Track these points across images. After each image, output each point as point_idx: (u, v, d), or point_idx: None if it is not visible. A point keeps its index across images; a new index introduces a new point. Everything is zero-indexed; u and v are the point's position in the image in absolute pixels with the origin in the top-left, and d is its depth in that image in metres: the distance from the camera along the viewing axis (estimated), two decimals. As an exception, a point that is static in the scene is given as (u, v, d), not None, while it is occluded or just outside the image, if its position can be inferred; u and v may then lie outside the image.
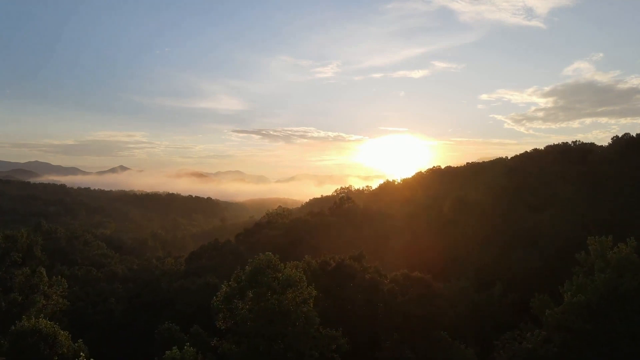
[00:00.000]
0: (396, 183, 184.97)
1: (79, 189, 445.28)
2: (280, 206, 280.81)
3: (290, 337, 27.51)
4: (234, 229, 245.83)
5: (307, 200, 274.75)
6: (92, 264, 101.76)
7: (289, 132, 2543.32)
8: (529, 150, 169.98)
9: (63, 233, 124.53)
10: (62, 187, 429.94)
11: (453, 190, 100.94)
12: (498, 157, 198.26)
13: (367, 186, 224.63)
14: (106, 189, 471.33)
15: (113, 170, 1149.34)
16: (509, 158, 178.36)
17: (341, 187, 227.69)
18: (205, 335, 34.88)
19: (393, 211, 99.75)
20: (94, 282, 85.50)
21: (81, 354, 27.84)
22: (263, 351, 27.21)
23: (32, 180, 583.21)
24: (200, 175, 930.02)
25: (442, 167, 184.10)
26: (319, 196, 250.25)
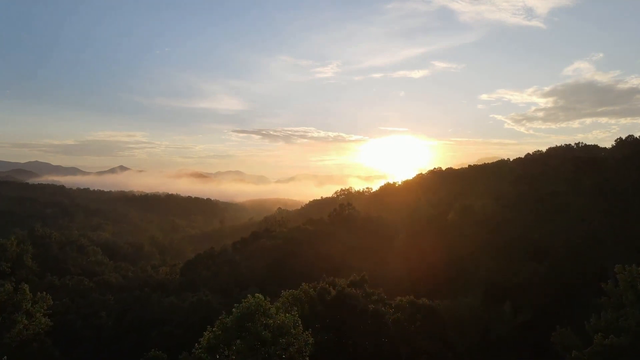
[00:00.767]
0: (397, 185, 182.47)
1: (78, 189, 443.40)
2: (279, 208, 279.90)
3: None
4: (232, 231, 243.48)
5: (307, 201, 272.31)
6: (85, 273, 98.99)
7: (289, 132, 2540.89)
8: (531, 152, 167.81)
9: (57, 238, 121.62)
10: (61, 188, 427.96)
11: (456, 196, 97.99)
12: (498, 157, 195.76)
13: (367, 188, 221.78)
14: (105, 190, 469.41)
15: (113, 170, 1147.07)
16: (510, 160, 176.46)
17: (341, 189, 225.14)
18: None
19: (394, 217, 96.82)
20: (85, 292, 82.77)
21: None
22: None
23: (32, 180, 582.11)
24: (200, 176, 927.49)
25: (443, 168, 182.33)
26: (319, 198, 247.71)
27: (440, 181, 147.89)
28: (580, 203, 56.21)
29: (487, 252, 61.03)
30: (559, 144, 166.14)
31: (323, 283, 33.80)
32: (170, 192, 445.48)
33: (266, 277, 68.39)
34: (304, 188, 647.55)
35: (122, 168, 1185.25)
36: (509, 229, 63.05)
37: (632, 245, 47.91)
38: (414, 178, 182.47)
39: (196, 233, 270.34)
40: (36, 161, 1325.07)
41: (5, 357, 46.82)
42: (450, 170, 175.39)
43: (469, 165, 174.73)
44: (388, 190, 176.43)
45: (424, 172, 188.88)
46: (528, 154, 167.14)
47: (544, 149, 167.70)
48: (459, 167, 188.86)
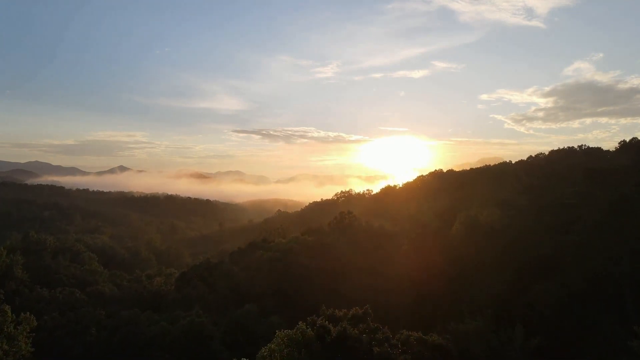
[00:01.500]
0: (397, 188, 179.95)
1: (77, 190, 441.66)
2: (279, 210, 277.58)
3: None
4: (231, 234, 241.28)
5: (308, 202, 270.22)
6: (78, 282, 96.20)
7: (289, 132, 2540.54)
8: (533, 155, 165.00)
9: (52, 244, 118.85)
10: (60, 189, 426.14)
11: (459, 203, 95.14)
12: (499, 157, 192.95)
13: (367, 190, 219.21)
14: (105, 190, 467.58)
15: (112, 170, 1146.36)
16: (512, 162, 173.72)
17: (341, 191, 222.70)
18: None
19: (396, 225, 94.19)
20: (76, 305, 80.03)
21: None
22: None
23: (32, 180, 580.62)
24: (200, 176, 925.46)
25: (444, 169, 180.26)
26: (319, 199, 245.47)
27: (442, 184, 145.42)
28: (592, 218, 53.42)
29: (494, 268, 58.22)
30: (559, 144, 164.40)
31: (322, 319, 31.00)
32: (169, 193, 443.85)
33: (264, 293, 65.72)
34: (304, 188, 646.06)
35: (122, 168, 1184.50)
36: (517, 243, 60.21)
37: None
38: (415, 180, 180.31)
39: (195, 235, 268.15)
40: (36, 161, 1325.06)
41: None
42: (451, 172, 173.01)
43: (471, 168, 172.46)
44: (388, 193, 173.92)
45: (424, 174, 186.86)
46: (530, 156, 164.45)
47: (544, 149, 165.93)
48: (460, 169, 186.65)
